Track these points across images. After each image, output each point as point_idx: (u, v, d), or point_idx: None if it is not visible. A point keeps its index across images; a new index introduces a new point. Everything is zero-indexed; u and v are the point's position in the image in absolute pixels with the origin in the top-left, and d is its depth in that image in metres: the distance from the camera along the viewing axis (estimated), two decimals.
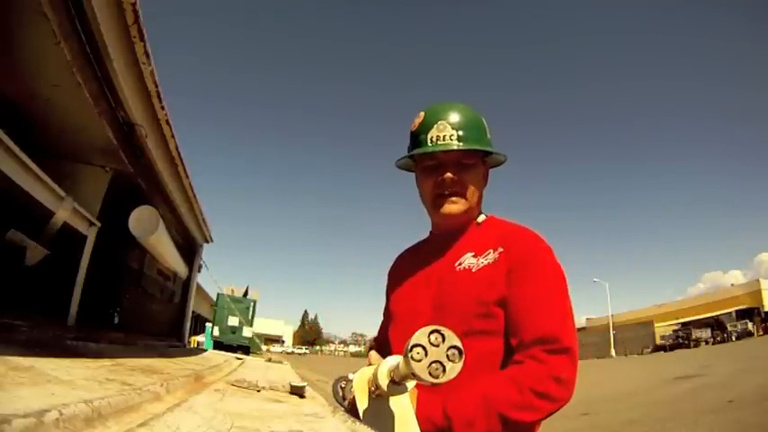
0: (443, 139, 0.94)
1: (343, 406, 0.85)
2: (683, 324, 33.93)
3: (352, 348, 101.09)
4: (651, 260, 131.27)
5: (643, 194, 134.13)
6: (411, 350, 0.53)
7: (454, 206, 0.97)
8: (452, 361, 0.54)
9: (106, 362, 2.99)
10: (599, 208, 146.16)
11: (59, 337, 3.60)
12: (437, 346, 0.54)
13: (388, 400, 0.71)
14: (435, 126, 0.95)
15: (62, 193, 3.90)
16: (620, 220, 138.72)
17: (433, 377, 0.53)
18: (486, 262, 0.93)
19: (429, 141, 0.95)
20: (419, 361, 0.53)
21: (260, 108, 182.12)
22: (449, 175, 0.95)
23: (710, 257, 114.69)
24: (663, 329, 35.86)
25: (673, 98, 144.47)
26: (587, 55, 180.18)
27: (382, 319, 1.20)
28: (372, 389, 0.72)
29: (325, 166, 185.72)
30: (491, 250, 0.93)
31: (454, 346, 0.54)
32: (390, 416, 0.71)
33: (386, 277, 1.21)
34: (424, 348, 0.54)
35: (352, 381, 0.81)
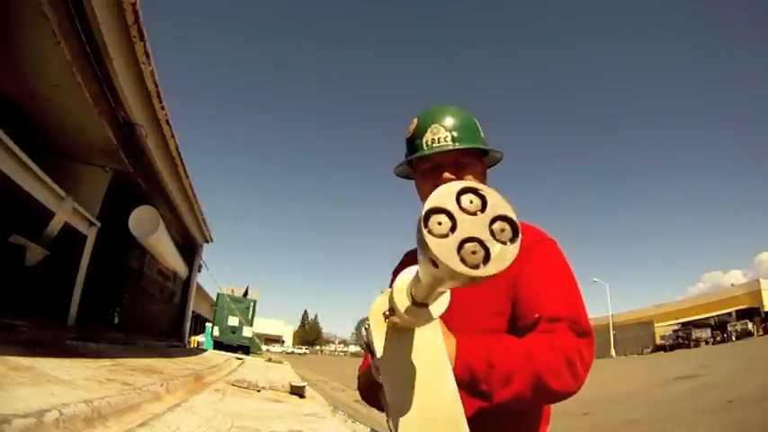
0: (438, 141, 0.95)
1: (369, 351, 0.65)
2: (683, 324, 33.90)
3: (353, 348, 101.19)
4: (651, 260, 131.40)
5: (643, 194, 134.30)
6: (428, 219, 0.31)
7: None
8: (501, 241, 0.32)
9: (106, 362, 2.99)
10: (599, 208, 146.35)
11: (59, 337, 3.60)
12: (473, 214, 0.32)
13: (412, 335, 0.54)
14: (429, 129, 0.96)
15: (62, 193, 3.90)
16: (620, 220, 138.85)
17: (469, 265, 0.30)
18: None
19: (424, 145, 0.96)
20: (442, 237, 0.30)
21: (261, 109, 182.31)
22: (447, 175, 0.95)
23: (710, 257, 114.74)
24: (663, 329, 35.84)
25: (673, 98, 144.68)
26: (587, 54, 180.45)
27: None
28: (389, 320, 0.53)
29: (326, 166, 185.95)
30: None
31: (504, 218, 0.33)
32: (415, 356, 0.53)
33: (390, 275, 1.20)
34: (450, 216, 0.32)
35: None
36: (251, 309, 17.23)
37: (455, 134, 0.95)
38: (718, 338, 28.08)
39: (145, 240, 5.82)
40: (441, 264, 0.30)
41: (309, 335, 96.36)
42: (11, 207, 3.53)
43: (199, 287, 13.77)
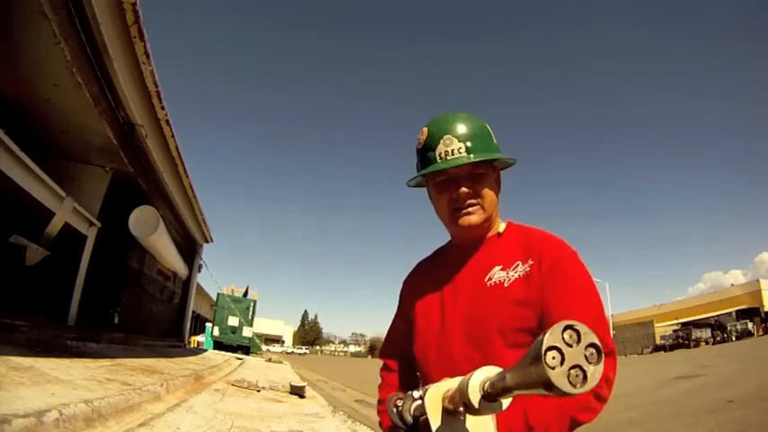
0: (452, 154, 0.92)
1: (403, 427, 0.76)
2: (683, 324, 33.91)
3: (352, 348, 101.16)
4: (651, 260, 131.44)
5: (643, 194, 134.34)
6: (545, 354, 0.43)
7: (473, 217, 0.95)
8: (591, 363, 0.44)
9: (106, 362, 2.98)
10: (600, 208, 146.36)
11: (59, 337, 3.60)
12: (571, 346, 0.45)
13: (464, 419, 0.65)
14: (441, 141, 0.93)
15: (62, 193, 3.90)
16: (620, 221, 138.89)
17: (573, 385, 0.43)
18: (516, 275, 0.92)
19: (438, 158, 0.93)
20: (554, 368, 0.43)
21: (263, 111, 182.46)
22: (464, 189, 0.93)
23: (711, 257, 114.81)
24: (663, 329, 35.86)
25: (674, 102, 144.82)
26: (591, 64, 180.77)
27: (391, 326, 1.16)
28: (451, 407, 0.64)
29: (326, 168, 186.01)
30: (519, 262, 0.92)
31: (592, 344, 0.45)
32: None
33: (400, 284, 1.17)
34: (560, 351, 0.44)
35: (417, 399, 0.74)
36: (251, 309, 17.21)
37: (469, 144, 0.92)
38: (718, 338, 28.07)
39: (145, 240, 5.82)
40: (556, 388, 0.43)
41: (309, 335, 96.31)
42: (11, 207, 3.53)
43: (199, 287, 13.77)
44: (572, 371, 0.44)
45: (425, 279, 1.07)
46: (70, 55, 2.76)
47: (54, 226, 3.84)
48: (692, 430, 4.86)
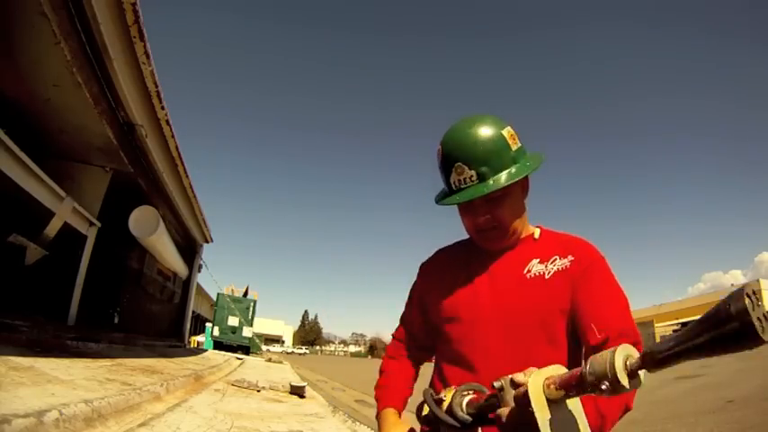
0: (464, 182, 0.92)
1: (455, 425, 0.72)
2: (683, 324, 33.91)
3: (353, 348, 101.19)
4: (651, 260, 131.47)
5: (643, 194, 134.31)
6: (752, 295, 0.42)
7: (495, 242, 0.98)
8: None
9: (106, 362, 2.98)
10: (599, 208, 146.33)
11: (59, 337, 3.60)
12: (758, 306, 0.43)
13: (565, 406, 0.65)
14: (454, 170, 0.92)
15: (62, 193, 3.89)
16: (620, 220, 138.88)
17: (763, 331, 0.41)
18: (555, 268, 0.93)
19: (453, 185, 0.94)
20: (754, 311, 0.42)
21: (263, 112, 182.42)
22: (482, 219, 0.94)
23: (711, 257, 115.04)
24: (663, 329, 35.85)
25: (675, 102, 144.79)
26: (595, 71, 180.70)
27: (405, 314, 1.14)
28: (556, 394, 0.63)
29: (327, 167, 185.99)
30: (557, 257, 0.94)
31: None
32: (572, 422, 0.66)
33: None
34: (751, 300, 0.43)
35: (469, 393, 0.73)
36: (251, 309, 17.21)
37: (482, 170, 0.90)
38: None
39: (145, 240, 5.82)
40: (750, 333, 0.41)
41: (309, 335, 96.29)
42: (11, 207, 3.53)
43: (199, 287, 13.75)
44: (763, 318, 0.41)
45: (452, 267, 1.04)
46: (70, 55, 2.76)
47: (54, 226, 3.84)
48: (691, 430, 4.86)
